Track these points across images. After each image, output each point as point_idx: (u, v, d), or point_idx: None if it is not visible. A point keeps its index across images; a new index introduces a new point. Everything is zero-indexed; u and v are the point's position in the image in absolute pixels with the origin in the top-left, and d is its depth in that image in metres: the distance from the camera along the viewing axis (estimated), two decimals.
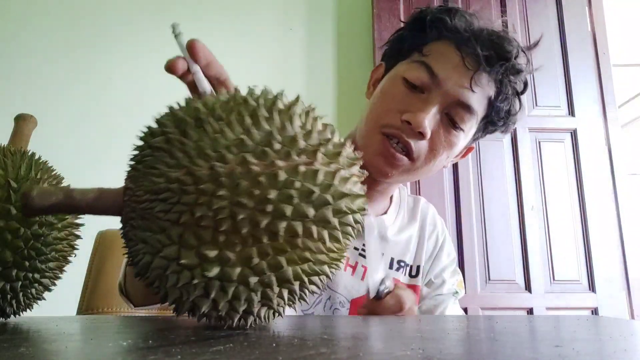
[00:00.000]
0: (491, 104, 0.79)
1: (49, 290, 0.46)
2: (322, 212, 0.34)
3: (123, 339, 0.30)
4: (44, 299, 0.46)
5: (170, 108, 0.38)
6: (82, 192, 0.37)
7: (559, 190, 2.02)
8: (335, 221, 0.34)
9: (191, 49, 0.47)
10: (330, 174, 0.34)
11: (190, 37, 0.46)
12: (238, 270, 0.33)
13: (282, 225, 0.32)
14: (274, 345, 0.28)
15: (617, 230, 2.00)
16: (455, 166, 2.01)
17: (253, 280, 0.33)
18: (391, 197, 0.94)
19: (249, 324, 0.36)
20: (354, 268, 0.83)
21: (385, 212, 0.91)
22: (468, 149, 0.89)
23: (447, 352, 0.24)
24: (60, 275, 0.47)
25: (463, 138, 0.80)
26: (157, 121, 0.37)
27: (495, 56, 0.75)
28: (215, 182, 0.32)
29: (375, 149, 0.78)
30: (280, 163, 0.33)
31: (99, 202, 0.37)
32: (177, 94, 0.43)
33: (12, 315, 0.45)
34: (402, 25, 0.88)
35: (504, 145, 2.05)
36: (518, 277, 1.92)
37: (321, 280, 0.37)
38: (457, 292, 0.92)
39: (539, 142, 2.06)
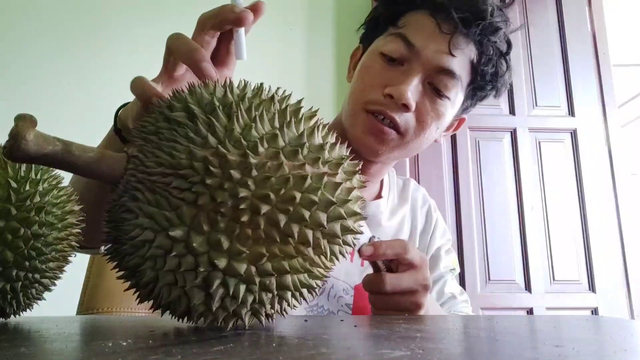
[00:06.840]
0: (475, 68, 0.78)
1: (49, 290, 0.46)
2: (333, 225, 0.34)
3: (123, 339, 0.30)
4: (44, 299, 0.46)
5: (191, 88, 0.36)
6: (82, 148, 0.34)
7: (559, 190, 2.02)
8: (340, 238, 0.35)
9: (257, 11, 0.45)
10: (347, 190, 0.35)
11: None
12: (244, 267, 0.31)
13: (296, 229, 0.32)
14: (275, 345, 0.28)
15: (617, 230, 2.00)
16: (455, 166, 2.01)
17: (256, 279, 0.32)
18: (381, 182, 0.92)
19: (228, 326, 0.34)
20: (352, 254, 0.80)
21: (379, 196, 0.90)
22: (460, 121, 0.88)
23: (447, 352, 0.24)
24: (60, 275, 0.47)
25: (450, 107, 0.79)
26: (176, 97, 0.36)
27: (471, 17, 0.74)
28: (244, 171, 0.31)
29: (363, 127, 0.77)
30: (308, 168, 0.33)
31: (98, 163, 0.34)
32: None
33: (12, 315, 0.45)
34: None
35: (504, 144, 2.05)
36: (518, 277, 1.92)
37: (310, 293, 0.37)
38: (453, 269, 0.91)
39: (539, 142, 2.06)
